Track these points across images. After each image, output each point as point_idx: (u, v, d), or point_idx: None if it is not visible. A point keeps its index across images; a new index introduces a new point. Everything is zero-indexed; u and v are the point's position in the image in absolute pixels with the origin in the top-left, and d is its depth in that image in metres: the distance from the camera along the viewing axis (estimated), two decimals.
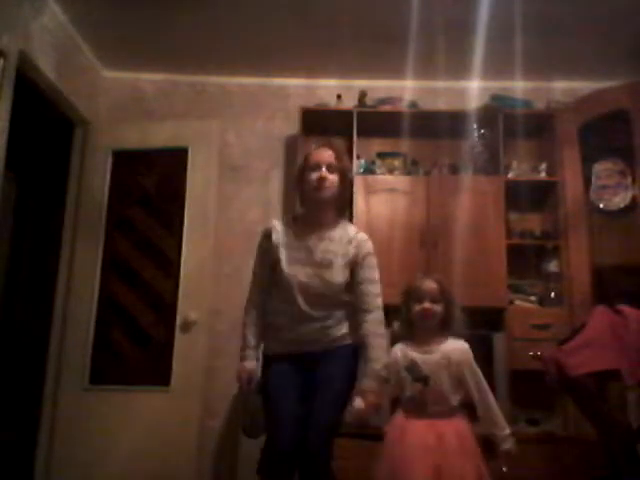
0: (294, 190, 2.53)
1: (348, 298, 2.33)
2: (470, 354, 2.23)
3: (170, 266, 3.52)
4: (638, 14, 3.24)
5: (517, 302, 3.55)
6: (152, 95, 4.07)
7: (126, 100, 4.04)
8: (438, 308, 2.24)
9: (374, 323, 2.26)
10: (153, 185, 3.67)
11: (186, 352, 3.36)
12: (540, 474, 3.00)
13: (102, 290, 3.55)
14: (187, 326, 3.37)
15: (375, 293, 2.32)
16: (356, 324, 2.29)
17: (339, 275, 2.30)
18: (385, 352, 2.25)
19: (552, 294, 3.56)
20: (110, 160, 3.70)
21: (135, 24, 3.51)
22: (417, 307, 2.26)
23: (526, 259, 3.69)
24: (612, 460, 2.58)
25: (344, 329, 2.31)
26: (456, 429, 2.15)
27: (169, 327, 3.41)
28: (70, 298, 3.56)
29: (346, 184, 2.44)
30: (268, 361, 2.34)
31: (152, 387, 3.39)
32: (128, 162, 3.71)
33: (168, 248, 3.55)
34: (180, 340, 3.38)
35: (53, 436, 3.39)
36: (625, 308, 2.59)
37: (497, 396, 3.23)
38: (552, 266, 3.61)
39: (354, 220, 3.40)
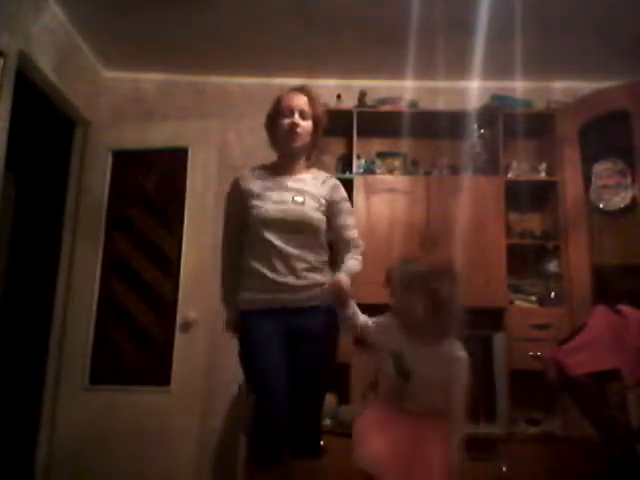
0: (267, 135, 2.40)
1: (325, 248, 2.27)
2: (464, 366, 1.96)
3: (170, 266, 3.52)
4: (638, 14, 3.24)
5: (517, 302, 3.55)
6: (152, 95, 4.07)
7: (126, 100, 4.04)
8: (421, 300, 1.90)
9: (354, 256, 2.24)
10: (153, 185, 3.67)
11: (186, 352, 3.37)
12: (540, 474, 3.01)
13: (102, 290, 3.55)
14: (187, 326, 3.37)
15: (354, 237, 2.29)
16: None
17: (314, 211, 2.24)
18: (356, 267, 2.21)
19: (552, 294, 3.56)
20: (110, 160, 3.71)
21: (135, 24, 3.51)
22: (404, 297, 1.94)
23: (526, 259, 3.69)
24: (612, 460, 2.58)
25: (322, 277, 2.21)
26: (434, 434, 1.94)
27: (169, 327, 3.41)
28: (70, 298, 3.57)
29: (319, 133, 2.35)
30: (245, 318, 2.23)
31: (152, 387, 3.39)
32: (128, 162, 3.71)
33: (168, 248, 3.56)
34: (180, 340, 3.38)
35: (53, 436, 3.39)
36: (625, 308, 2.59)
37: (497, 396, 3.27)
38: (552, 266, 3.61)
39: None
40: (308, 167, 2.39)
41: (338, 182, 2.37)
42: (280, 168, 2.34)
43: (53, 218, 3.82)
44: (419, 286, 1.92)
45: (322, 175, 2.38)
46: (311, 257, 2.22)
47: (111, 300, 3.54)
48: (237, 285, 2.26)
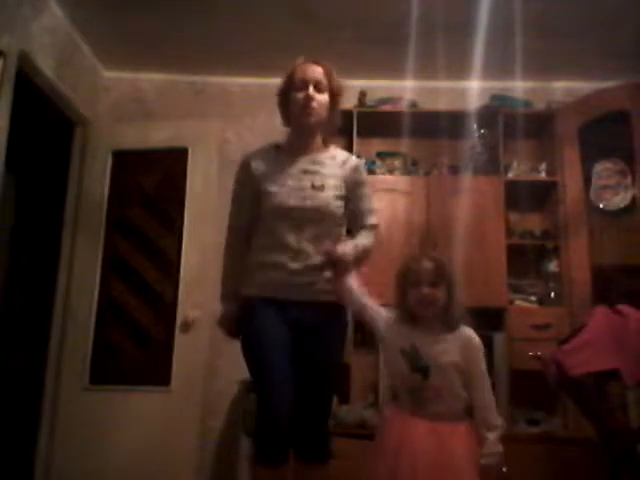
0: (280, 111, 2.21)
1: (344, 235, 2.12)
2: (480, 348, 1.95)
3: (170, 266, 3.52)
4: (638, 14, 3.24)
5: (517, 302, 3.55)
6: (152, 95, 4.07)
7: (126, 100, 4.04)
8: (439, 293, 1.94)
9: (366, 234, 2.09)
10: (153, 185, 3.67)
11: (186, 352, 3.36)
12: (540, 474, 3.00)
13: (102, 290, 3.55)
14: (187, 326, 3.37)
15: (373, 224, 2.13)
16: None
17: (334, 198, 2.06)
18: (365, 243, 2.06)
19: (552, 294, 3.56)
20: (110, 160, 3.70)
21: (135, 24, 3.51)
22: (414, 293, 1.94)
23: (526, 259, 3.69)
24: (612, 460, 2.58)
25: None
26: (462, 440, 1.87)
27: (169, 327, 3.41)
28: (70, 298, 3.56)
29: (337, 107, 2.16)
30: (249, 304, 2.05)
31: (152, 387, 3.38)
32: (128, 162, 3.71)
33: (168, 248, 3.55)
34: (180, 340, 3.38)
35: (53, 436, 3.39)
36: (625, 308, 2.59)
37: (497, 396, 3.24)
38: (552, 266, 3.61)
39: None
40: (325, 145, 2.19)
41: (361, 162, 2.21)
42: (294, 147, 2.15)
43: (53, 218, 3.81)
44: (438, 277, 1.94)
45: (342, 154, 2.19)
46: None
47: (111, 300, 3.54)
48: (241, 277, 2.09)
